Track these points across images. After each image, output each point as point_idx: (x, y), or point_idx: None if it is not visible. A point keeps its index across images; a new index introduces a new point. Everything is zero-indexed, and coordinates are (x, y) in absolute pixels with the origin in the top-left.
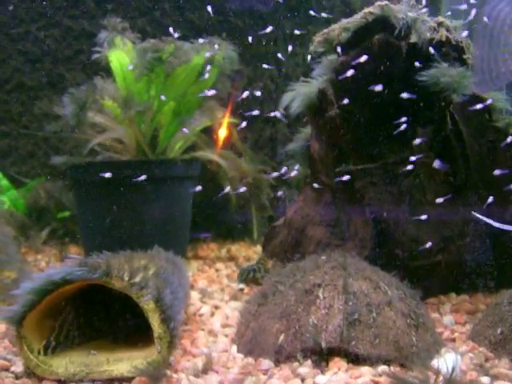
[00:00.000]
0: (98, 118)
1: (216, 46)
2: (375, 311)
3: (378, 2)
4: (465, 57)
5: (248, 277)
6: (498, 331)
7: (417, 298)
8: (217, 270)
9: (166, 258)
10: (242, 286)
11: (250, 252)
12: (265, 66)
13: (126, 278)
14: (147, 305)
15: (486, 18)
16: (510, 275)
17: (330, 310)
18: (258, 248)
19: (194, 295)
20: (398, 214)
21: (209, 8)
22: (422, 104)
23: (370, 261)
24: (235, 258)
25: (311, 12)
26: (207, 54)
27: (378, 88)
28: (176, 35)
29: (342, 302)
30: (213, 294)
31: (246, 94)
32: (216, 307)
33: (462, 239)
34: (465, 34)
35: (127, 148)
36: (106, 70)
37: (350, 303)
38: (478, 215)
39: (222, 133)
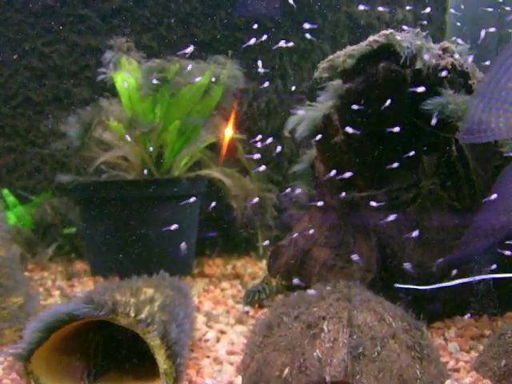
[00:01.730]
0: (104, 135)
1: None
2: (380, 344)
3: (383, 31)
4: (470, 82)
5: (253, 299)
6: (503, 363)
7: (422, 329)
8: (222, 290)
9: (171, 284)
10: (247, 308)
11: (255, 268)
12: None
13: (132, 315)
14: (153, 341)
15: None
16: None
17: (335, 344)
18: (264, 263)
19: (200, 319)
20: (402, 239)
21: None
22: (427, 131)
23: (375, 285)
24: (240, 275)
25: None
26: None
27: (396, 129)
28: (189, 49)
29: (347, 335)
30: (218, 318)
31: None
32: (222, 332)
33: (466, 264)
34: (470, 58)
35: (133, 166)
36: (112, 89)
37: (355, 336)
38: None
39: (227, 149)
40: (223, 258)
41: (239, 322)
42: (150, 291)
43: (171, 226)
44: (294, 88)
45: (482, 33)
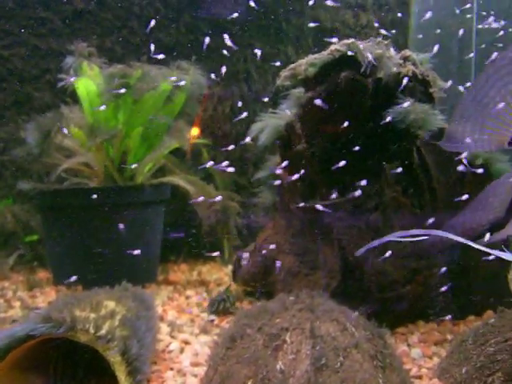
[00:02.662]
0: (65, 142)
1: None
2: (342, 355)
3: (345, 40)
4: (431, 91)
5: (218, 308)
6: (464, 370)
7: (384, 337)
8: (187, 298)
9: (134, 296)
10: (212, 317)
11: (221, 274)
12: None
13: (92, 331)
14: (113, 358)
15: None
16: (476, 301)
17: (298, 355)
18: (230, 269)
19: (164, 329)
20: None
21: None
22: (388, 139)
23: (339, 292)
24: (206, 282)
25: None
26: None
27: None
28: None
29: (310, 346)
30: (182, 327)
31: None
32: (186, 342)
33: (429, 270)
34: (430, 66)
35: (96, 173)
36: (73, 94)
37: (318, 348)
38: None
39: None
40: (189, 263)
41: (204, 331)
42: (111, 304)
43: (135, 233)
44: (258, 92)
45: (435, 48)
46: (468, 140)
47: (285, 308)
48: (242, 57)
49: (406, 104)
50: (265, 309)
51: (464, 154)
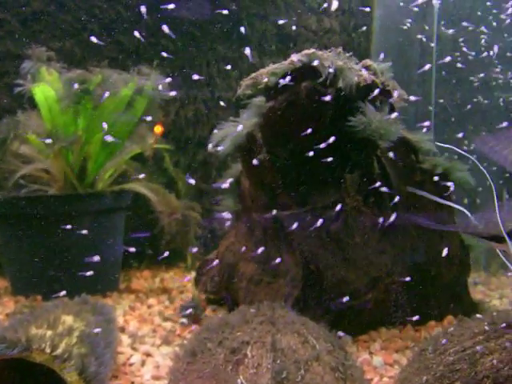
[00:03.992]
0: (23, 148)
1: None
2: (303, 368)
3: (306, 50)
4: (392, 100)
5: (190, 314)
6: (424, 379)
7: (345, 348)
8: (149, 307)
9: (93, 309)
10: (183, 320)
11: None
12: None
13: (48, 351)
14: (70, 377)
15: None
16: (437, 307)
17: (259, 369)
18: (193, 275)
19: (125, 340)
20: (326, 256)
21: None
22: (349, 148)
23: (301, 301)
24: (168, 290)
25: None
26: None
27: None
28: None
29: (271, 360)
30: (144, 338)
31: None
32: (147, 354)
33: (390, 277)
34: (391, 75)
35: (55, 179)
36: (32, 99)
37: (279, 361)
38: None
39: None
40: (152, 269)
41: (165, 342)
42: (69, 320)
43: (96, 240)
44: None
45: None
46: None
47: (245, 321)
48: (204, 61)
49: (366, 114)
50: (225, 322)
51: None
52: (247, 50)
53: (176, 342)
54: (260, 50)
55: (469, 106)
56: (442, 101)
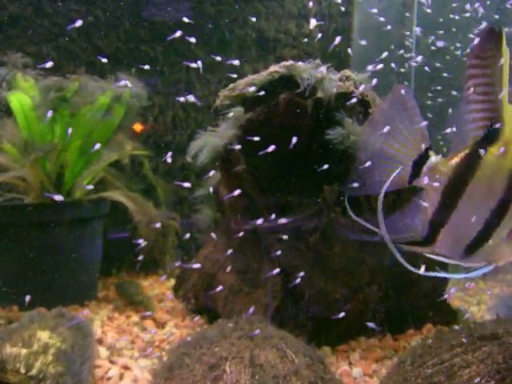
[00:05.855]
0: None
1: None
2: (282, 383)
3: (284, 62)
4: (370, 111)
5: None
6: None
7: (324, 362)
8: (127, 317)
9: (70, 322)
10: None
11: (163, 288)
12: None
13: (23, 371)
14: None
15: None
16: (416, 316)
17: None
18: (172, 282)
19: (102, 352)
20: (305, 267)
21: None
22: (328, 160)
23: (281, 311)
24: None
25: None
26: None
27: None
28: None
29: (249, 376)
30: (122, 351)
31: None
32: (125, 368)
33: (369, 287)
34: (370, 85)
35: (31, 187)
36: (7, 107)
37: (257, 377)
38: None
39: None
40: (131, 276)
41: (144, 354)
42: (44, 336)
43: (74, 249)
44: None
45: (370, 67)
46: (370, 183)
47: (224, 336)
48: (183, 66)
49: (345, 125)
50: (203, 337)
51: None
52: (199, 63)
53: (155, 355)
54: (240, 56)
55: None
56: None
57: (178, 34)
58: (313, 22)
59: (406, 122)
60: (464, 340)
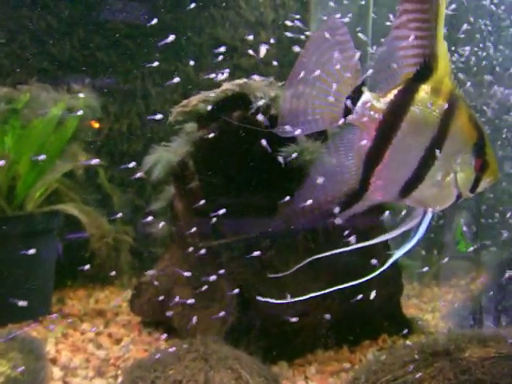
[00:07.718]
0: None
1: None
2: None
3: (238, 80)
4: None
5: None
6: None
7: (278, 381)
8: (82, 333)
9: (21, 345)
10: None
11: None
12: None
13: None
14: None
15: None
16: (371, 327)
17: None
18: (129, 293)
19: (56, 373)
20: (260, 283)
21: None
22: (283, 177)
23: (236, 326)
24: (103, 312)
25: None
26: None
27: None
28: None
29: None
30: (76, 371)
31: None
32: None
33: (325, 302)
34: None
35: None
36: None
37: None
38: None
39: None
40: (86, 288)
41: (99, 373)
42: None
43: (25, 264)
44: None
45: None
46: (301, 123)
47: (178, 358)
48: (139, 74)
49: (298, 143)
50: (158, 359)
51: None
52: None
53: (110, 374)
54: (196, 64)
55: None
56: None
57: (171, 38)
58: (263, 50)
59: (339, 56)
60: (416, 356)
